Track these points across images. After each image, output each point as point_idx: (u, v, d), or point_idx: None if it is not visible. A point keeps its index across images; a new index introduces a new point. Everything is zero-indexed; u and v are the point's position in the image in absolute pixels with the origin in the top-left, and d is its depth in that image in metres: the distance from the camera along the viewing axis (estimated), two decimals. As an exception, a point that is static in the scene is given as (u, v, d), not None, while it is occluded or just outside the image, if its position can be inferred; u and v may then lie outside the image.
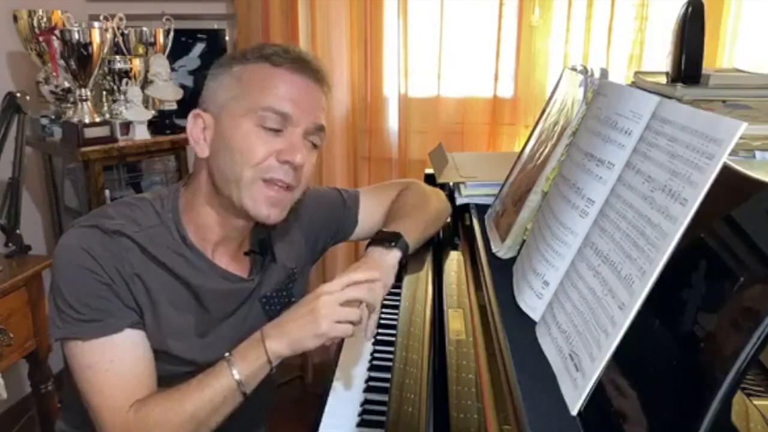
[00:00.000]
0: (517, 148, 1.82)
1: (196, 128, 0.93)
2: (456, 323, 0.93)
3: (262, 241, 1.03)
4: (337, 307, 0.85)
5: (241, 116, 0.89)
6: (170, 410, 0.83)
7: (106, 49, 1.90)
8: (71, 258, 0.86)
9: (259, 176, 0.89)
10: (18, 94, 1.66)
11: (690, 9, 0.95)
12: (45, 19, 1.95)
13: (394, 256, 1.01)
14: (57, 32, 1.77)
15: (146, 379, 0.88)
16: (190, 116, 0.94)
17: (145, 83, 2.04)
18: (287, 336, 0.85)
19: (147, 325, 0.89)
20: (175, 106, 2.08)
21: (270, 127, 0.88)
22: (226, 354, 0.86)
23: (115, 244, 0.87)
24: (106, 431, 0.85)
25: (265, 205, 0.90)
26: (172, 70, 2.10)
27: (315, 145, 0.94)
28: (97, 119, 1.88)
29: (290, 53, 0.91)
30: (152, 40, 2.09)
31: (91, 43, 1.78)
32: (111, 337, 0.85)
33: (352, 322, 0.87)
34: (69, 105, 1.99)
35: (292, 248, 1.08)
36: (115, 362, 0.85)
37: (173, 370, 0.91)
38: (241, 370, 0.84)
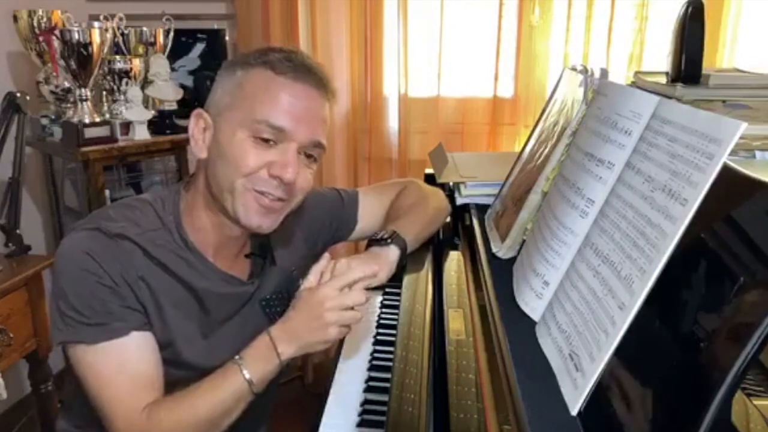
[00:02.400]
0: (517, 148, 1.82)
1: (197, 128, 0.92)
2: (456, 323, 0.93)
3: (262, 244, 1.02)
4: (342, 313, 0.88)
5: (238, 125, 0.87)
6: (183, 416, 0.84)
7: (106, 49, 1.91)
8: (73, 260, 0.86)
9: (250, 186, 0.87)
10: (18, 94, 1.65)
11: (690, 9, 0.95)
12: (45, 19, 1.95)
13: (392, 252, 1.01)
14: (57, 32, 1.77)
15: (156, 382, 0.87)
16: (193, 115, 0.93)
17: (145, 83, 2.04)
18: (298, 341, 0.87)
19: (154, 328, 0.89)
20: (175, 106, 2.08)
21: (264, 138, 0.86)
22: (236, 356, 0.87)
23: (117, 247, 0.87)
24: None
25: (257, 215, 0.89)
26: (172, 70, 2.10)
27: (314, 158, 0.92)
28: (97, 119, 1.88)
29: (293, 61, 0.88)
30: (152, 40, 2.09)
31: (91, 43, 1.78)
32: (117, 340, 0.85)
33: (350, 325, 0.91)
34: (69, 105, 1.99)
35: (292, 250, 1.07)
36: (123, 366, 0.85)
37: (176, 375, 0.91)
38: (252, 371, 0.85)
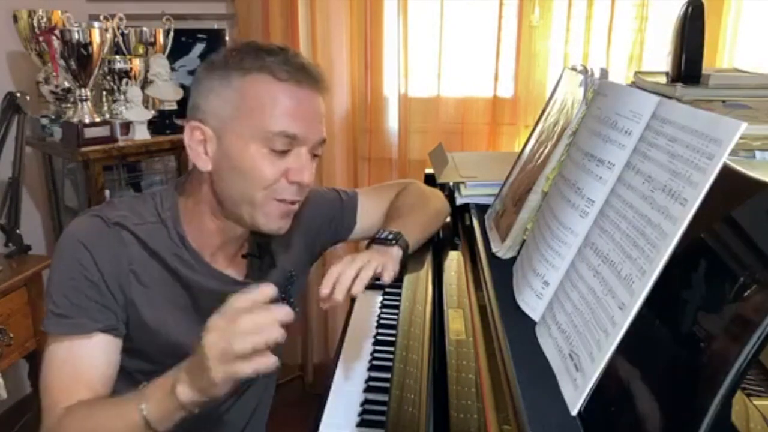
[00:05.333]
0: (517, 148, 1.82)
1: (194, 140, 0.89)
2: (456, 323, 0.93)
3: (260, 245, 1.02)
4: (229, 346, 0.67)
5: (249, 138, 0.86)
6: (80, 430, 0.81)
7: (106, 49, 1.90)
8: (67, 247, 0.87)
9: (271, 197, 0.89)
10: (18, 94, 1.66)
11: (690, 9, 0.95)
12: (45, 19, 1.95)
13: (396, 252, 1.01)
14: (57, 32, 1.77)
15: (93, 388, 0.85)
16: (187, 128, 0.90)
17: (145, 83, 2.04)
18: (196, 382, 0.72)
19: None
20: (175, 106, 2.08)
21: (279, 149, 0.87)
22: (142, 384, 0.79)
23: (114, 236, 0.88)
24: (41, 428, 0.84)
25: (279, 220, 0.92)
26: (172, 70, 2.10)
27: (316, 155, 0.94)
28: (97, 119, 1.88)
29: (290, 63, 0.88)
30: (152, 40, 2.09)
31: (91, 43, 1.78)
32: (74, 336, 0.85)
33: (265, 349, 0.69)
34: (69, 105, 1.99)
35: (291, 250, 1.07)
36: (67, 361, 0.85)
37: (172, 363, 0.90)
38: (152, 407, 0.75)
